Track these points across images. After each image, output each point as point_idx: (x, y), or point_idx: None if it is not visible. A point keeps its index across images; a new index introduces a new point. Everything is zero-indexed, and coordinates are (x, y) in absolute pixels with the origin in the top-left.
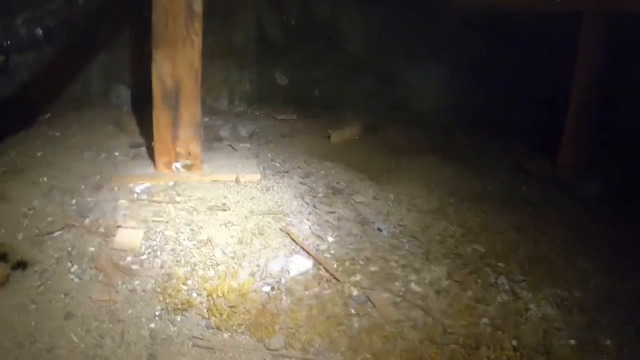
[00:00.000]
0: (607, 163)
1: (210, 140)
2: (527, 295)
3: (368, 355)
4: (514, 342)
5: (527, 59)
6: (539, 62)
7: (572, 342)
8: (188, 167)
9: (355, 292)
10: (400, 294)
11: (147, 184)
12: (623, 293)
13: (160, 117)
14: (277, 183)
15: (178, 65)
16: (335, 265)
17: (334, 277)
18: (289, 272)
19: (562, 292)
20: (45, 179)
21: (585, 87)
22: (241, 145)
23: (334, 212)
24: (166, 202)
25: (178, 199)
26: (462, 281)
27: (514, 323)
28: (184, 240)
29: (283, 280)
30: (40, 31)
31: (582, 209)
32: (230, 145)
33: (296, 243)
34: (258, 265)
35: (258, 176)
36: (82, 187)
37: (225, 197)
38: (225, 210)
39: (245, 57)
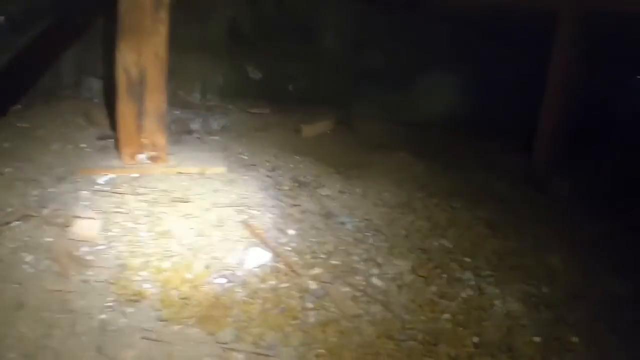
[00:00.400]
0: (582, 161)
1: (180, 133)
2: (494, 291)
3: (322, 350)
4: (476, 339)
5: (506, 57)
6: (518, 60)
7: (537, 339)
8: (153, 159)
9: (313, 286)
10: (361, 288)
11: (111, 176)
12: (593, 290)
13: (124, 107)
14: (243, 176)
15: (143, 55)
16: (295, 259)
17: (293, 271)
18: (245, 265)
19: (530, 288)
20: (9, 169)
21: (559, 85)
22: (211, 138)
23: (298, 205)
24: (128, 193)
25: (140, 190)
26: (426, 276)
27: (477, 319)
28: (142, 231)
29: (239, 273)
30: (2, 19)
31: (555, 206)
32: (199, 138)
33: (255, 236)
34: (215, 258)
35: (224, 169)
36: (46, 178)
37: (188, 190)
38: (187, 202)
39: (219, 50)
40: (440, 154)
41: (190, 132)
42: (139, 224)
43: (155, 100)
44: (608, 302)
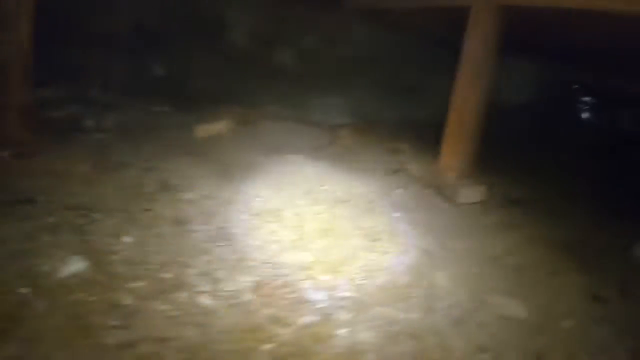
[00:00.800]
0: (493, 167)
1: (71, 130)
2: (344, 317)
3: None
4: None
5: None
6: (434, 56)
7: None
8: (16, 156)
9: (127, 302)
10: (182, 307)
11: None
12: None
13: None
14: (109, 176)
15: (4, 45)
16: (121, 269)
17: (108, 283)
18: (57, 274)
19: (395, 312)
20: None
21: (470, 83)
22: (98, 136)
23: (150, 210)
24: None
25: None
26: (268, 295)
27: (305, 353)
28: None
29: (46, 281)
30: None
31: (458, 216)
32: (88, 136)
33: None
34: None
35: (88, 168)
36: None
37: (39, 189)
38: (32, 202)
39: (122, 46)
40: (345, 157)
41: (81, 129)
42: None
43: (18, 94)
44: (497, 326)
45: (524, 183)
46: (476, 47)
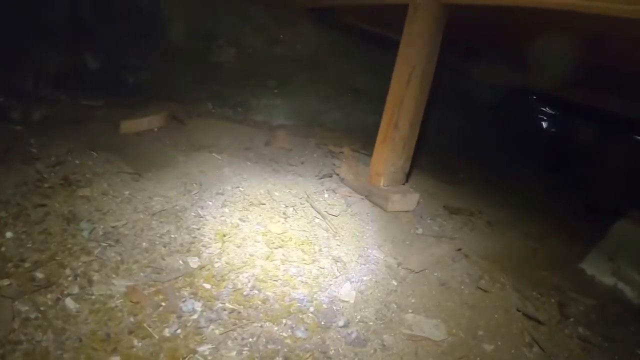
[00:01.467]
0: (434, 175)
1: None
2: (214, 332)
3: None
4: None
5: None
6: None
7: None
8: None
9: None
10: (42, 309)
11: None
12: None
13: None
14: (11, 168)
15: None
16: None
17: None
18: None
19: (279, 330)
20: None
21: (405, 85)
22: (18, 128)
23: (43, 206)
24: None
25: None
26: (138, 302)
27: None
28: None
29: None
30: None
31: (385, 224)
32: (5, 126)
33: None
34: None
35: None
36: None
37: None
38: None
39: (55, 37)
40: (277, 160)
41: (6, 120)
42: None
43: None
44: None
45: (464, 193)
46: (412, 47)
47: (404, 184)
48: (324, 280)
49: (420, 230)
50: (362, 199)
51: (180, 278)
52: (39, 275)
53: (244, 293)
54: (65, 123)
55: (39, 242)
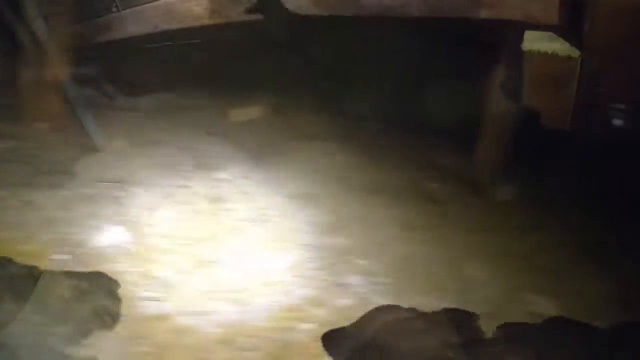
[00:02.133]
0: (528, 165)
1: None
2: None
3: None
4: None
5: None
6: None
7: None
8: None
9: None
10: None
11: None
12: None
13: None
14: (143, 151)
15: None
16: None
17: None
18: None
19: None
20: None
21: None
22: (132, 114)
23: (187, 187)
24: None
25: None
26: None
27: None
28: None
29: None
30: None
31: (493, 212)
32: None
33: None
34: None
35: (126, 143)
36: None
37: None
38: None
39: None
40: (371, 149)
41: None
42: None
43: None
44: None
45: None
46: None
47: None
48: None
49: None
50: None
51: (335, 255)
52: (205, 251)
53: None
54: (176, 110)
55: (191, 220)
